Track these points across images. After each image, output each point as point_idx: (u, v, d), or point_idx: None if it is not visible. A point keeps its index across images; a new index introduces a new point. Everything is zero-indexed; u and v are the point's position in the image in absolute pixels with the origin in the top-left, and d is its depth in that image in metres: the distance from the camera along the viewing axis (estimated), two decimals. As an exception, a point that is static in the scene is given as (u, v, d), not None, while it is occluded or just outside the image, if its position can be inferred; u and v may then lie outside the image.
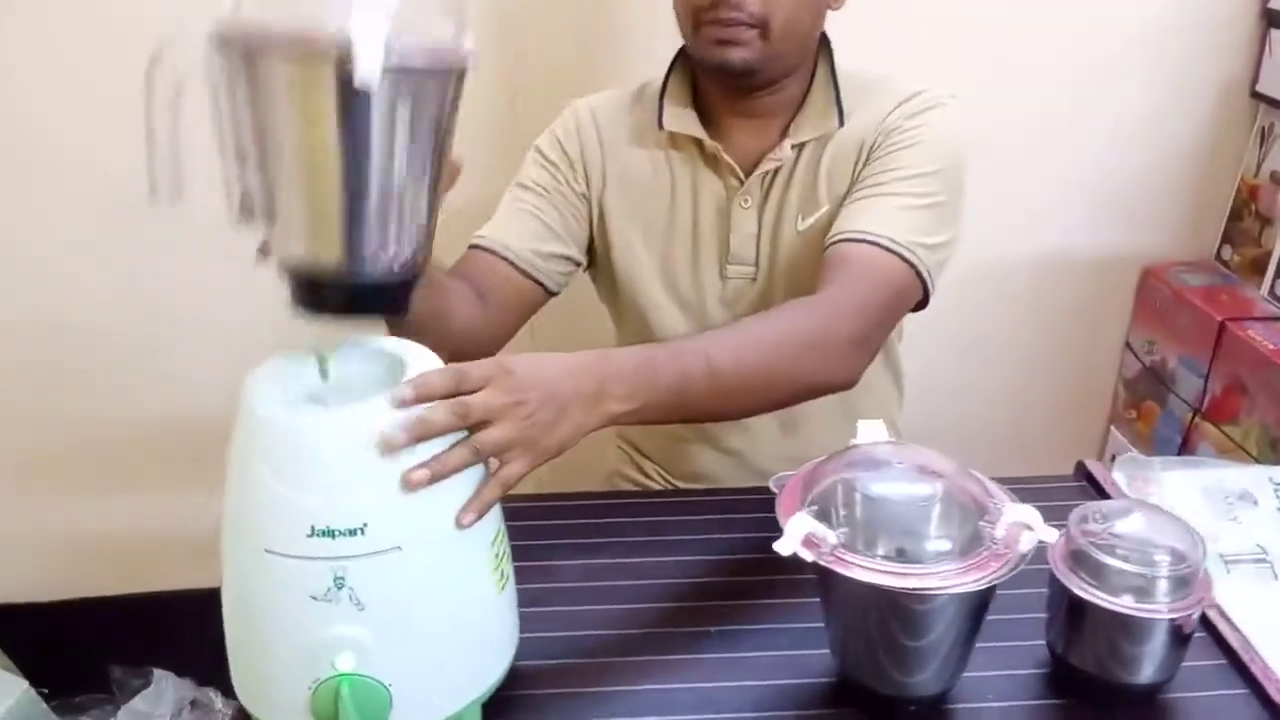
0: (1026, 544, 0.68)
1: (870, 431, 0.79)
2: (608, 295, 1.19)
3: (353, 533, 0.64)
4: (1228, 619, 0.83)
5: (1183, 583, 0.73)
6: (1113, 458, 1.76)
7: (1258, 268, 1.56)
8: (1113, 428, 1.75)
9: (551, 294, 1.11)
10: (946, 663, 0.73)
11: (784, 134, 1.07)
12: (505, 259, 1.07)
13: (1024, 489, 0.75)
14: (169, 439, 1.60)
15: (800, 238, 1.08)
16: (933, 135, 1.02)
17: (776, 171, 1.07)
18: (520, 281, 1.08)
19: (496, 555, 0.72)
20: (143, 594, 1.69)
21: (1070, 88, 1.56)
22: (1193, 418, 1.55)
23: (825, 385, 0.92)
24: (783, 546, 0.67)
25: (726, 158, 1.07)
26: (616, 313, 1.19)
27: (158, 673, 1.62)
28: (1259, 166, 1.57)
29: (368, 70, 0.57)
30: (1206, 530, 1.02)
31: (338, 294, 0.66)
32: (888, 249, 0.95)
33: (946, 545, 0.69)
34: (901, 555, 0.70)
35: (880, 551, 0.69)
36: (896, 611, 0.69)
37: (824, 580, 0.71)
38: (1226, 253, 1.64)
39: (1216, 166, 1.62)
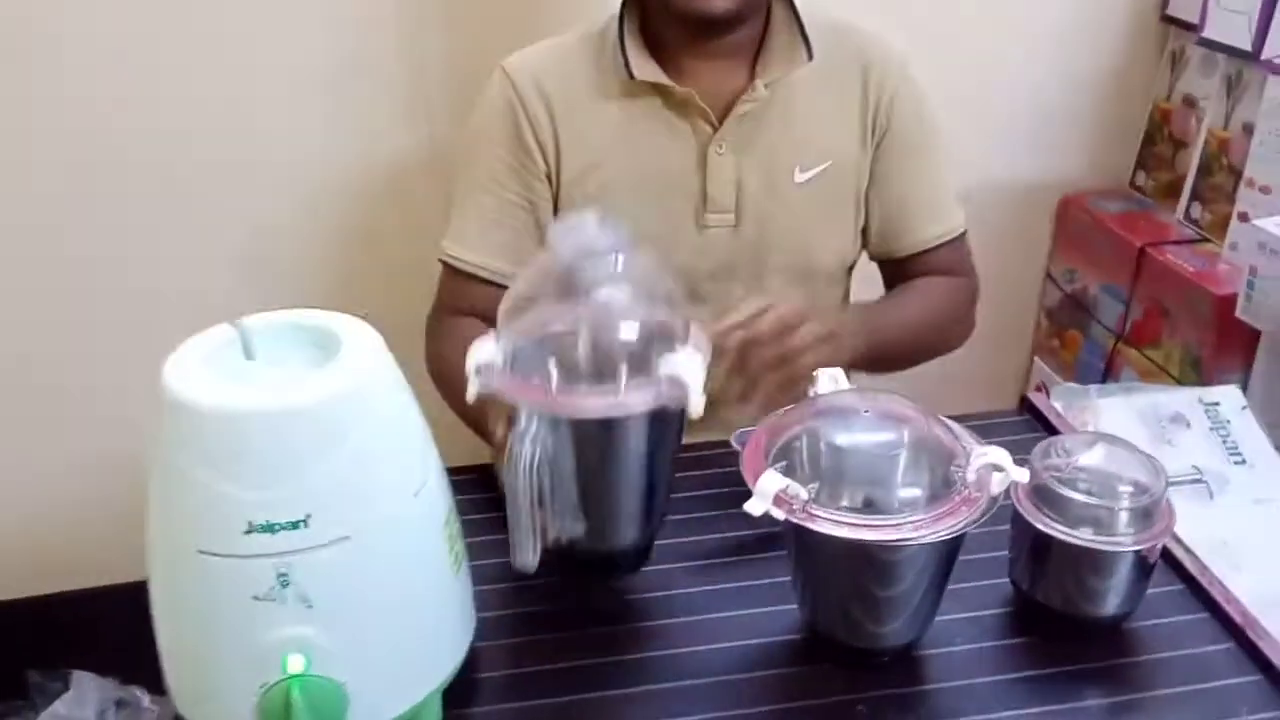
0: (998, 486, 0.67)
1: (830, 380, 0.77)
2: None
3: (295, 525, 0.59)
4: (1183, 544, 0.83)
5: (1146, 514, 0.73)
6: (1038, 387, 1.80)
7: (1172, 191, 1.58)
8: (1036, 358, 1.78)
9: None
10: (919, 610, 0.71)
11: (752, 73, 1.04)
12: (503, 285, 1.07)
13: (969, 427, 0.75)
14: (73, 435, 1.51)
15: (801, 191, 1.06)
16: (924, 101, 1.10)
17: (754, 115, 1.04)
18: None
19: (450, 535, 0.68)
20: (54, 594, 1.60)
21: (978, 14, 1.55)
22: (1115, 343, 1.57)
23: (952, 349, 1.16)
24: (753, 506, 0.65)
25: (700, 103, 1.02)
26: None
27: (77, 674, 1.54)
28: (1171, 90, 1.59)
29: (699, 404, 0.67)
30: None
31: (614, 566, 0.80)
32: (959, 236, 1.14)
33: (917, 492, 0.68)
34: (871, 505, 0.68)
35: (850, 503, 0.67)
36: (870, 564, 0.68)
37: (795, 537, 0.69)
38: (1141, 178, 1.66)
39: (1128, 91, 1.64)
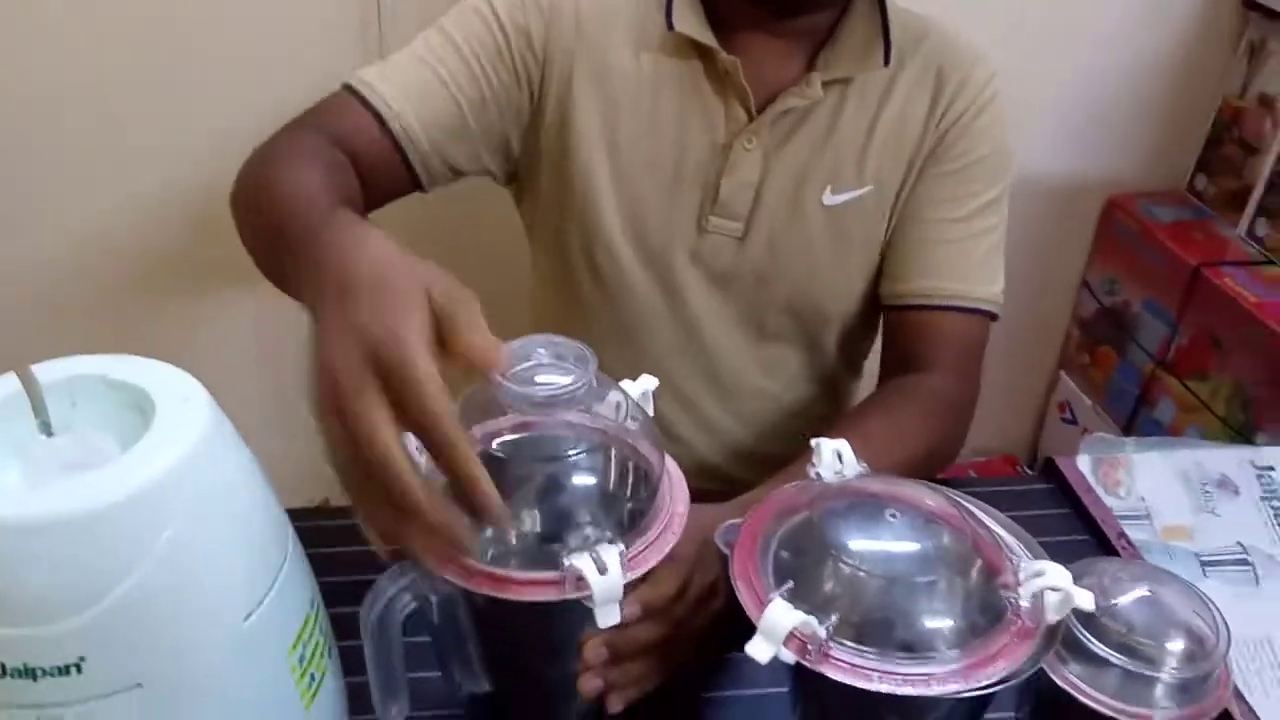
0: (1055, 613, 0.52)
1: (833, 455, 0.60)
2: (545, 221, 0.94)
3: (65, 671, 0.44)
4: (1241, 697, 0.68)
5: (1198, 681, 0.57)
6: (1061, 405, 1.64)
7: (1236, 202, 1.40)
8: (1063, 373, 1.61)
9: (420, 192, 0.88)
10: None
11: (810, 65, 0.86)
12: (398, 143, 0.82)
13: (981, 492, 0.60)
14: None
15: (824, 214, 0.88)
16: (1001, 139, 0.91)
17: (798, 114, 0.86)
18: (400, 175, 0.84)
19: (301, 659, 0.53)
20: None
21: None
22: (1154, 369, 1.41)
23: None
24: (758, 650, 0.50)
25: (742, 80, 0.84)
26: (552, 246, 0.94)
27: None
28: (1245, 87, 1.40)
29: (610, 616, 0.53)
30: (1183, 523, 0.89)
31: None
32: (983, 312, 0.92)
33: (959, 623, 0.53)
34: (894, 634, 0.53)
35: (869, 635, 0.52)
36: (899, 711, 0.54)
37: (799, 674, 0.54)
38: (1201, 183, 1.47)
39: (1196, 84, 1.45)
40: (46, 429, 0.50)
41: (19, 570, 0.43)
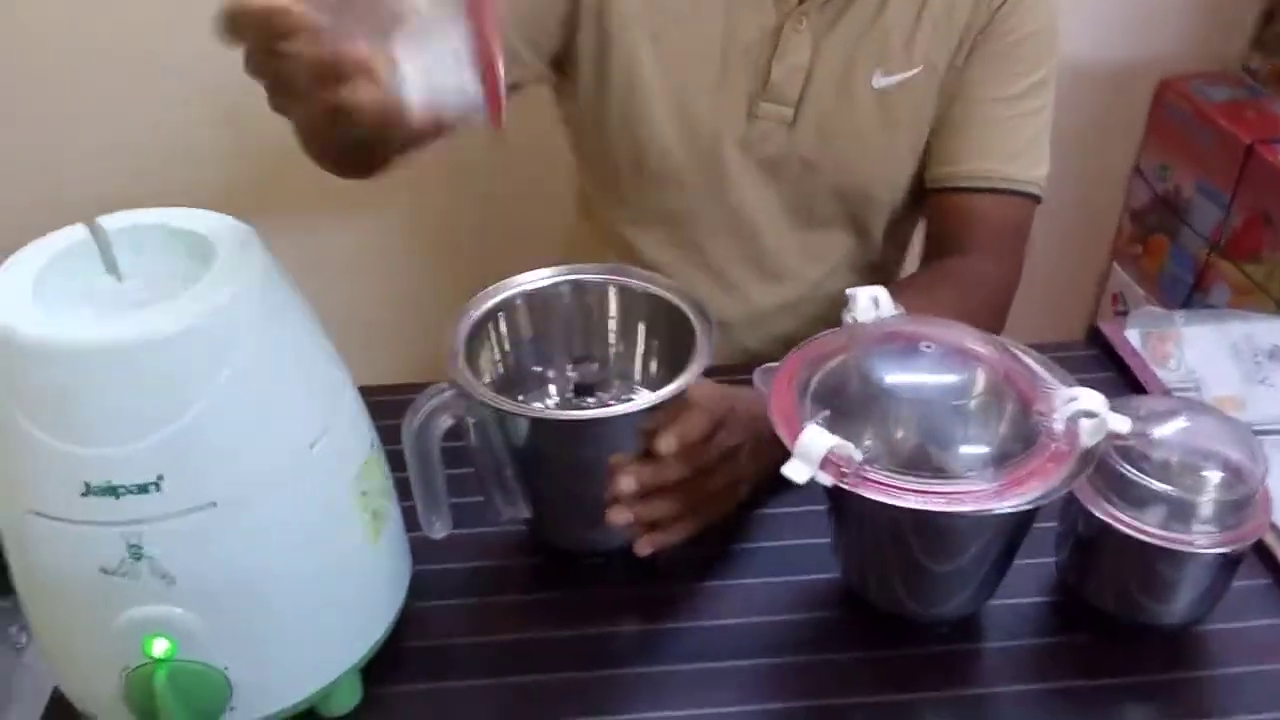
0: (1090, 437, 0.54)
1: (870, 302, 0.61)
2: (584, 111, 0.92)
3: (144, 489, 0.47)
4: (1275, 529, 0.68)
5: (1237, 506, 0.58)
6: (1114, 297, 1.61)
7: (1294, 79, 1.36)
8: (1115, 264, 1.59)
9: None
10: (986, 581, 0.60)
11: None
12: None
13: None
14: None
15: (875, 97, 0.87)
16: (1050, 15, 0.89)
17: None
18: None
19: (363, 493, 0.56)
20: None
21: None
22: (1208, 254, 1.38)
23: None
24: (795, 471, 0.52)
25: None
26: (592, 136, 0.94)
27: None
28: (1304, -43, 1.35)
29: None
30: (1233, 394, 0.89)
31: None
32: (1029, 195, 0.91)
33: (996, 449, 0.54)
34: (930, 459, 0.54)
35: (907, 460, 0.54)
36: (935, 534, 0.56)
37: (839, 502, 0.56)
38: (1255, 61, 1.43)
39: (1251, -42, 1.39)
40: (115, 273, 0.52)
41: (97, 393, 0.46)
